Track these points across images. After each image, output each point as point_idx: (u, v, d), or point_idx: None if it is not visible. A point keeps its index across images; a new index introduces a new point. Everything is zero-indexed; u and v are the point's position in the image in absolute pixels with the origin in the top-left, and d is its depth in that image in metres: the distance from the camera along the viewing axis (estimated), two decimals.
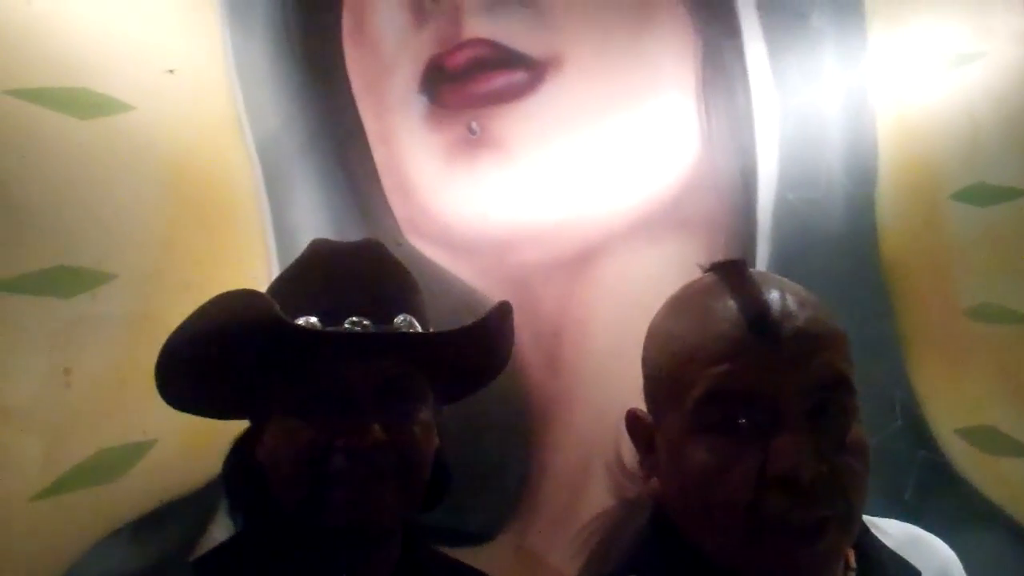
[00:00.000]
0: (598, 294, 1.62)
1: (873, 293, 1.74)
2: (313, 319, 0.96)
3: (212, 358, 0.97)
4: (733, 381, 0.77)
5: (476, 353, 1.09)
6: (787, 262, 1.71)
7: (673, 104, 1.71)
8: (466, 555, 1.43)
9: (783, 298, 0.79)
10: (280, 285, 1.06)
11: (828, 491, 0.74)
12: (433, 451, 1.04)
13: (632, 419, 0.90)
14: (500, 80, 1.61)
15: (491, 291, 1.59)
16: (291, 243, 1.49)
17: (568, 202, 1.65)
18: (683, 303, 0.87)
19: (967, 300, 1.76)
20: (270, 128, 1.51)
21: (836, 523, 0.75)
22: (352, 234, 1.51)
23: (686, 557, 0.82)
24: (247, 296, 0.94)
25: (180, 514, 1.33)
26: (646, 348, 0.89)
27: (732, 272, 0.83)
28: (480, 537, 1.51)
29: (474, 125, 1.60)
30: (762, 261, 1.71)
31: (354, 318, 0.97)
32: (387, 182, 1.58)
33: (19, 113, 1.35)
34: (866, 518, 0.92)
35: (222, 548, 1.06)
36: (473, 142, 1.61)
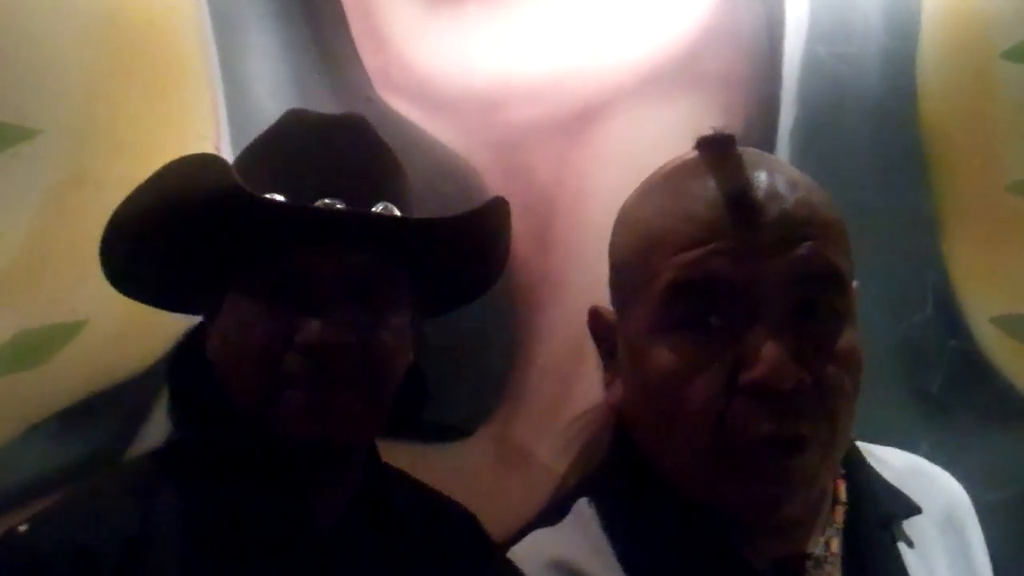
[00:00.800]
0: (598, 160, 1.54)
1: (909, 162, 1.66)
2: (280, 198, 0.87)
3: (162, 231, 0.88)
4: (703, 269, 0.68)
5: (464, 253, 0.98)
6: (814, 126, 1.63)
7: None
8: (445, 451, 1.40)
9: (771, 178, 0.71)
10: (244, 159, 0.96)
11: (810, 407, 0.66)
12: (405, 363, 0.95)
13: (594, 317, 0.81)
14: None
15: (475, 155, 1.49)
16: (243, 98, 1.39)
17: (566, 53, 1.54)
18: (657, 182, 0.78)
19: (1012, 174, 1.66)
20: None
21: (817, 445, 0.67)
22: (313, 87, 1.43)
23: (647, 481, 0.74)
24: (203, 161, 0.86)
25: (113, 406, 1.24)
26: (614, 233, 0.80)
27: (715, 147, 0.74)
28: (460, 431, 1.43)
29: None
30: (786, 124, 1.63)
31: (327, 200, 0.87)
32: (356, 27, 1.47)
33: None
34: (862, 446, 0.84)
35: (163, 451, 0.97)
36: None
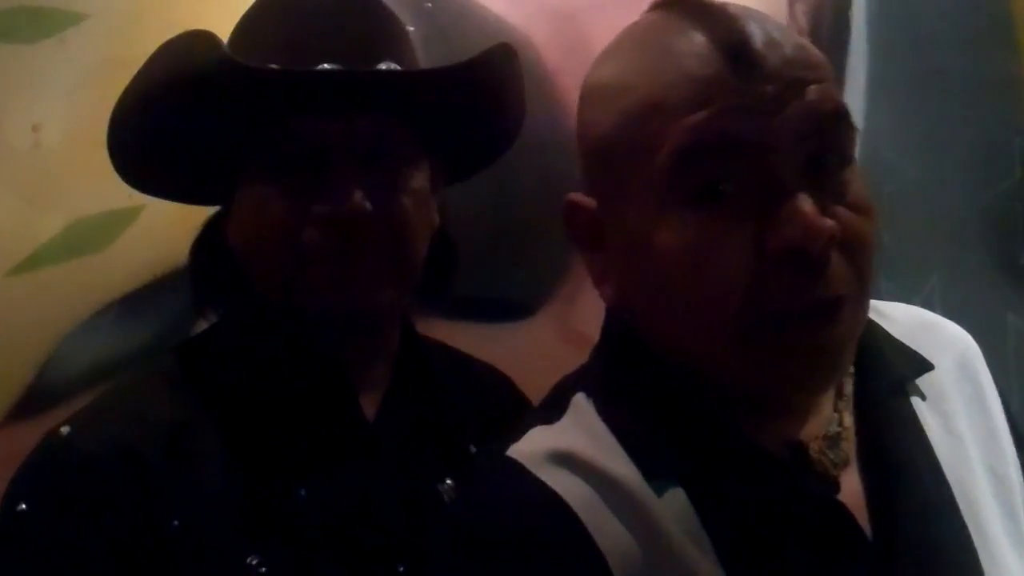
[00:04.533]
0: None
1: (994, 23, 1.58)
2: (277, 67, 0.84)
3: (159, 117, 0.86)
4: (712, 131, 0.62)
5: (475, 105, 0.94)
6: None
7: None
8: (504, 332, 1.38)
9: (761, 26, 0.65)
10: (239, 31, 0.92)
11: (841, 263, 0.62)
12: (430, 227, 0.93)
13: (571, 209, 0.73)
14: None
15: (532, 27, 1.42)
16: None
17: None
18: (630, 46, 0.70)
19: None
20: None
21: (850, 306, 0.63)
22: None
23: (650, 370, 0.69)
24: (193, 38, 0.82)
25: (175, 289, 1.22)
26: (583, 112, 0.72)
27: (689, 2, 0.68)
28: (519, 311, 1.41)
29: None
30: None
31: (326, 64, 0.84)
32: None
33: None
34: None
35: (197, 340, 0.96)
36: None
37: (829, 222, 0.60)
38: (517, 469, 0.66)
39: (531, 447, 0.67)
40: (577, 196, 0.72)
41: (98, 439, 0.80)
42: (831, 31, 1.52)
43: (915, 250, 1.53)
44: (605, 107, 0.68)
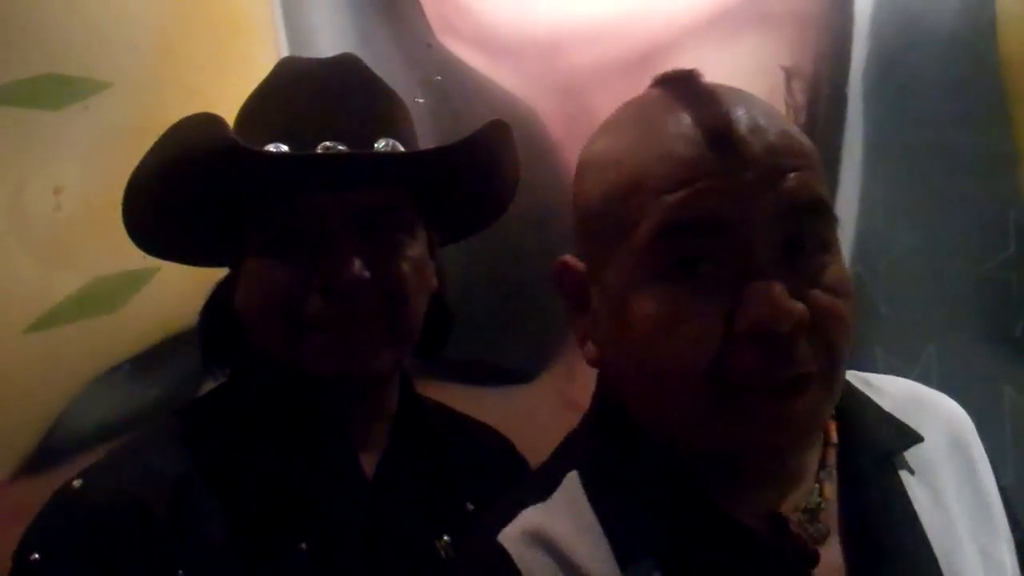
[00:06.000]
0: None
1: (988, 97, 1.59)
2: (283, 147, 0.88)
3: (171, 196, 0.89)
4: (690, 211, 0.64)
5: (469, 179, 0.97)
6: (888, 62, 1.57)
7: None
8: (504, 396, 1.38)
9: (748, 110, 0.67)
10: (246, 111, 0.96)
11: (809, 342, 0.63)
12: (428, 291, 0.96)
13: (560, 270, 0.75)
14: None
15: (537, 100, 1.46)
16: (305, 46, 1.39)
17: None
18: (624, 123, 0.72)
19: None
20: None
21: (818, 379, 0.64)
22: (375, 34, 1.42)
23: (631, 441, 0.71)
24: (201, 121, 0.85)
25: (186, 350, 1.23)
26: (577, 182, 0.74)
27: (683, 82, 0.70)
28: (520, 376, 1.42)
29: None
30: (859, 61, 1.57)
31: (328, 143, 0.87)
32: None
33: None
34: (859, 375, 0.81)
35: (205, 400, 0.99)
36: None
37: (797, 306, 0.61)
38: (498, 550, 0.68)
39: (517, 528, 0.69)
40: (568, 258, 0.75)
41: (109, 492, 0.82)
42: (828, 106, 1.54)
43: (912, 321, 1.53)
44: (595, 179, 0.71)
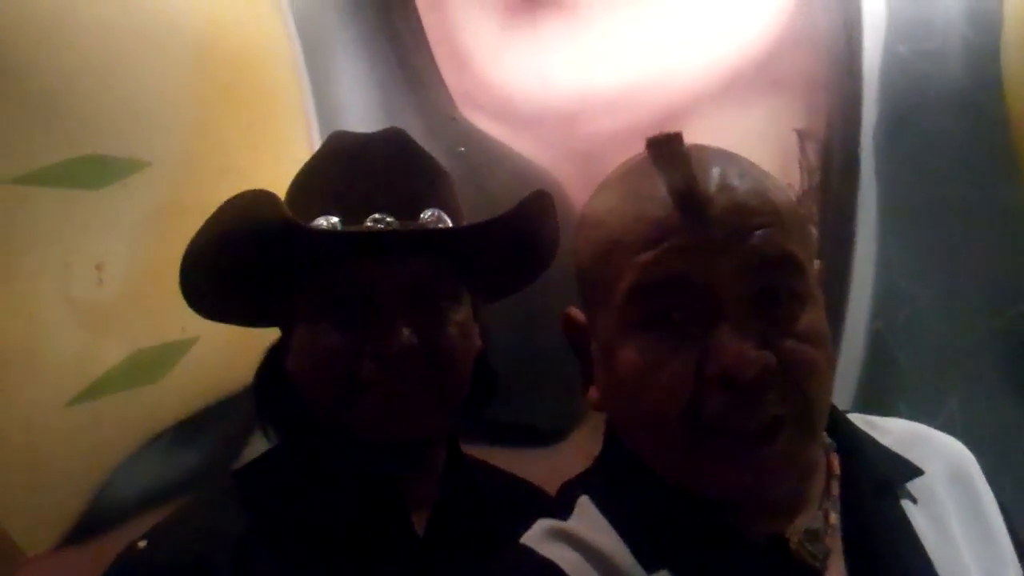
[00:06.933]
0: None
1: (998, 157, 1.63)
2: (334, 219, 0.92)
3: (227, 265, 0.93)
4: (659, 270, 0.68)
5: (512, 247, 1.01)
6: (898, 124, 1.60)
7: None
8: (535, 456, 1.38)
9: (719, 171, 0.70)
10: (298, 184, 1.00)
11: (779, 387, 0.66)
12: (473, 353, 0.99)
13: (568, 321, 0.80)
14: None
15: (557, 167, 1.49)
16: (335, 123, 1.42)
17: (643, 63, 1.54)
18: (611, 184, 0.77)
19: None
20: None
21: (792, 423, 0.67)
22: (401, 110, 1.46)
23: (637, 476, 0.74)
24: (257, 198, 0.88)
25: (224, 418, 1.28)
26: (574, 239, 0.79)
27: (662, 145, 0.72)
28: (550, 437, 1.43)
29: None
30: (869, 124, 1.60)
31: (376, 215, 0.92)
32: (439, 51, 1.49)
33: None
34: (863, 417, 0.84)
35: (260, 460, 1.02)
36: (534, 1, 1.51)
37: (763, 354, 0.64)
38: (522, 549, 0.72)
39: (537, 531, 0.73)
40: (572, 309, 0.79)
41: (172, 550, 0.85)
42: (841, 166, 1.57)
43: (932, 374, 1.54)
44: (585, 238, 0.75)
